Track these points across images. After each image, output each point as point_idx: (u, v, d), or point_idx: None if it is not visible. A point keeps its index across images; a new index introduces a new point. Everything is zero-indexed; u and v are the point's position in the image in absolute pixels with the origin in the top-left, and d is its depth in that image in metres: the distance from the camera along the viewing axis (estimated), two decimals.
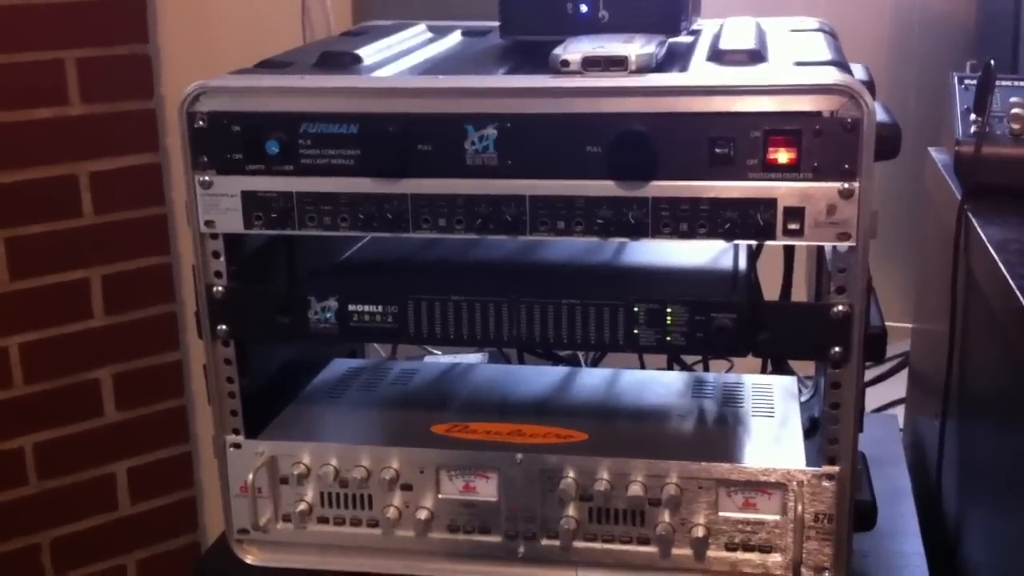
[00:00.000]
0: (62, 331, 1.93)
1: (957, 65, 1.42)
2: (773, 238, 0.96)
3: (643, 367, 1.37)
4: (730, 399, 1.19)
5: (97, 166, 1.92)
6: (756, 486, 1.03)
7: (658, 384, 1.24)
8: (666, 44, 1.05)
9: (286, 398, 1.22)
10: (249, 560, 1.14)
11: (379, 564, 1.12)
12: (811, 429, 1.13)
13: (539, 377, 1.27)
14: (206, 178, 1.04)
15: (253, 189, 1.04)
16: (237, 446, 1.12)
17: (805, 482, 1.02)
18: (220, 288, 1.08)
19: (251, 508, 1.12)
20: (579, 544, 1.07)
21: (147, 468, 2.05)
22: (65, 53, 1.86)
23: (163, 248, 2.01)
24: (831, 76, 0.94)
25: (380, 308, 1.05)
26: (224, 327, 1.08)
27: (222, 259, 1.07)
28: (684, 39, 1.16)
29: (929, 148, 1.38)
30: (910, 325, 1.54)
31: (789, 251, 1.19)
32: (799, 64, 1.01)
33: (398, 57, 1.15)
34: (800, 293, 1.24)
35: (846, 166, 0.93)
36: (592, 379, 1.26)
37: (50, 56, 1.85)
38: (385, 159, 1.01)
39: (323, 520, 1.12)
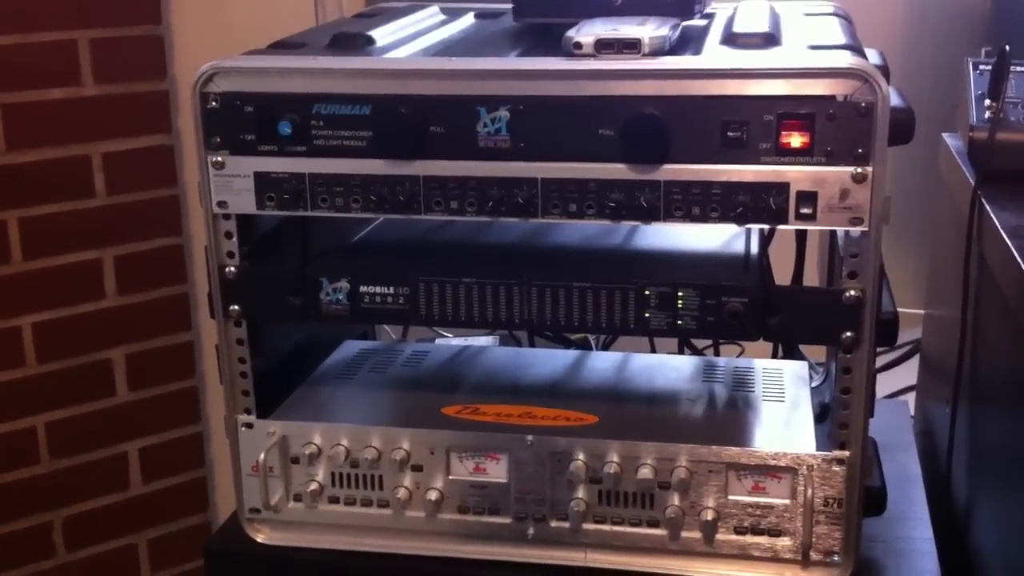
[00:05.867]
0: (74, 311, 1.94)
1: (972, 51, 1.42)
2: (785, 222, 0.96)
3: (654, 351, 1.37)
4: (740, 383, 1.19)
5: (110, 147, 1.93)
6: (766, 470, 1.03)
7: (669, 368, 1.24)
8: (680, 27, 1.05)
9: (298, 379, 1.23)
10: (260, 539, 1.15)
11: (389, 544, 1.12)
12: (822, 414, 1.13)
13: (550, 360, 1.27)
14: (219, 159, 1.05)
15: (266, 170, 1.04)
16: (249, 426, 1.13)
17: (815, 466, 1.02)
18: (232, 269, 1.08)
19: (262, 488, 1.12)
20: (588, 526, 1.07)
21: (159, 448, 2.06)
22: (78, 33, 1.87)
23: (175, 229, 2.02)
24: (845, 60, 0.94)
25: (391, 290, 1.06)
26: (236, 307, 1.09)
27: (234, 240, 1.07)
28: (698, 22, 1.16)
29: (943, 134, 1.38)
30: (922, 311, 1.54)
31: (801, 236, 1.19)
32: (813, 48, 1.00)
33: (411, 39, 1.15)
34: (812, 278, 1.24)
35: (859, 151, 0.93)
36: (603, 363, 1.26)
37: (64, 36, 1.86)
38: (397, 141, 1.01)
39: (334, 500, 1.12)
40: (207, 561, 1.18)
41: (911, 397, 1.62)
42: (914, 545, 1.11)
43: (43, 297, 1.90)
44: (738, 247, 1.10)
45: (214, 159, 1.05)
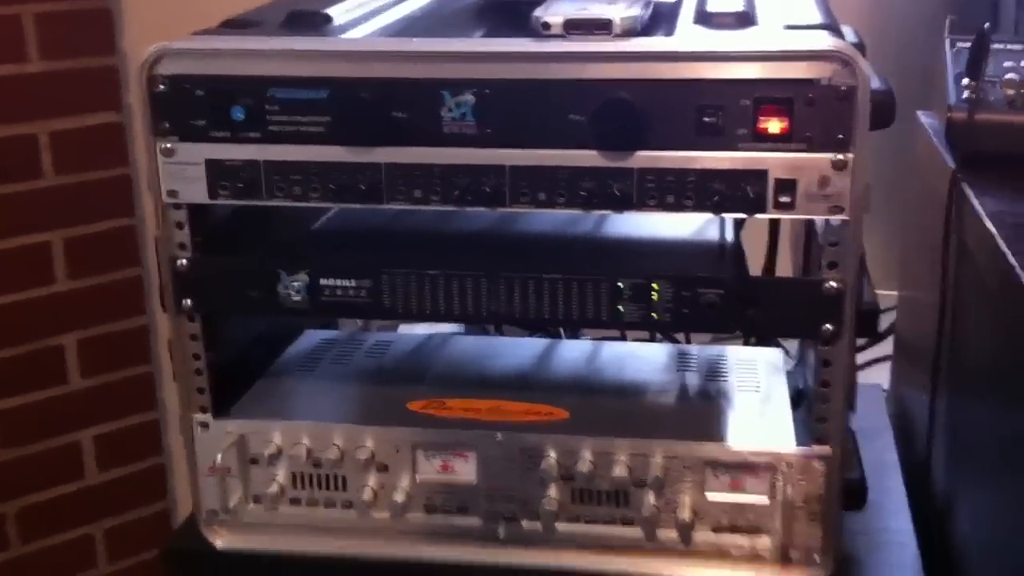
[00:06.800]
0: (24, 296, 1.88)
1: (938, 22, 1.37)
2: (763, 211, 0.92)
3: (623, 337, 1.33)
4: (714, 373, 1.15)
5: (57, 125, 1.86)
6: (744, 467, 1.00)
7: (640, 358, 1.19)
8: (651, 5, 1.01)
9: (256, 371, 1.18)
10: (219, 544, 1.10)
11: (354, 546, 1.08)
12: (797, 400, 1.10)
13: (518, 349, 1.23)
14: (168, 145, 0.99)
15: (218, 157, 0.99)
16: (204, 425, 1.08)
17: (793, 463, 0.99)
18: (184, 261, 1.03)
19: (220, 490, 1.08)
20: (561, 526, 1.03)
21: (114, 435, 2.01)
22: (22, 8, 1.80)
23: (127, 210, 1.96)
24: (824, 41, 0.90)
25: (353, 282, 1.01)
26: (189, 301, 1.04)
27: (186, 230, 1.02)
28: None
29: (918, 112, 1.34)
30: (894, 292, 1.51)
31: (774, 224, 1.15)
32: (790, 27, 0.96)
33: (370, 16, 1.10)
34: (784, 266, 1.21)
35: (839, 136, 0.89)
36: (572, 352, 1.22)
37: (7, 11, 1.78)
38: (357, 127, 0.96)
39: (295, 502, 1.08)
40: (166, 564, 1.13)
41: (883, 369, 1.58)
42: (893, 536, 1.09)
43: None
44: (712, 235, 1.06)
45: (163, 146, 0.99)
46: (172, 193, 1.01)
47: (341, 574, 1.08)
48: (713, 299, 0.95)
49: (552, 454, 1.02)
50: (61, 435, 1.95)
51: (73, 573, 2.01)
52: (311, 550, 1.08)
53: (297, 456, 1.06)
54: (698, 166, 0.92)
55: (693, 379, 1.14)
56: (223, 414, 1.08)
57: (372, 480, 1.06)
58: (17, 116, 1.82)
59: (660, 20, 1.02)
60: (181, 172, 1.00)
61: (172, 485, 2.10)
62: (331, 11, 1.06)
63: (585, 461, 1.01)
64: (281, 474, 1.07)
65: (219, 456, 1.07)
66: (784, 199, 0.91)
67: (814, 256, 0.99)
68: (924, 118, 1.32)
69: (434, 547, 1.06)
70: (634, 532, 1.03)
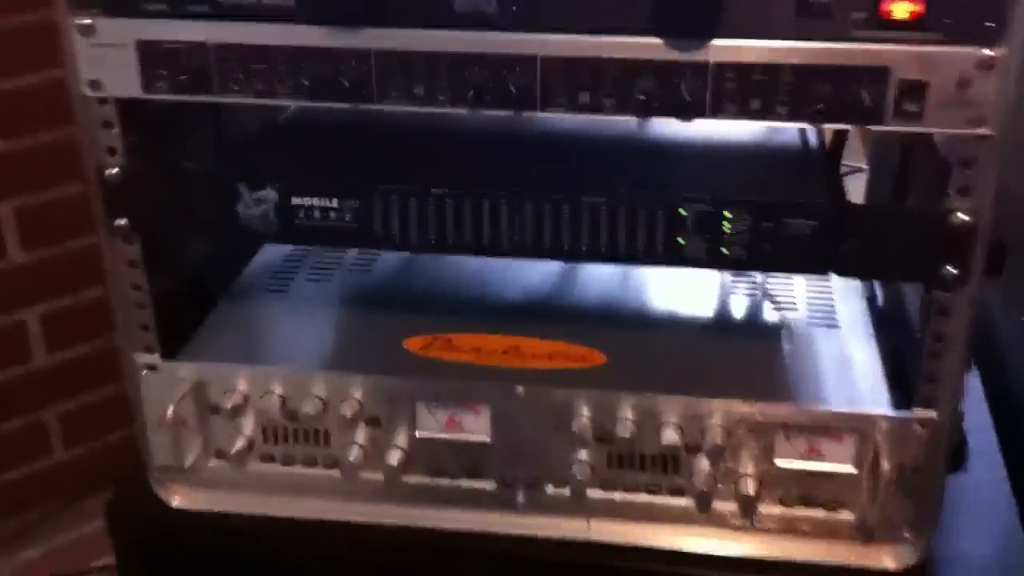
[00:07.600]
0: None
1: None
2: (881, 123, 0.70)
3: None
4: (781, 304, 0.94)
5: None
6: (824, 431, 0.81)
7: (689, 283, 0.98)
8: None
9: (212, 296, 0.97)
10: (175, 503, 0.91)
11: (338, 509, 0.89)
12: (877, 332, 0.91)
13: (536, 268, 1.00)
14: (88, 21, 0.75)
15: (154, 38, 0.75)
16: (152, 368, 0.87)
17: (889, 428, 0.79)
18: (116, 170, 0.80)
19: (174, 443, 0.88)
20: (593, 492, 0.85)
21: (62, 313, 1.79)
22: None
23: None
24: None
25: (335, 203, 0.79)
26: (124, 220, 0.81)
27: (116, 131, 0.79)
28: None
29: None
30: None
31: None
32: None
33: None
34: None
35: (988, 25, 0.67)
36: (604, 273, 0.99)
37: None
38: (337, 1, 0.72)
39: (267, 458, 0.89)
40: (110, 524, 0.94)
41: None
42: (987, 492, 0.90)
43: None
44: (795, 143, 0.84)
45: (81, 22, 0.75)
46: (95, 84, 0.77)
47: (324, 539, 0.88)
48: (802, 232, 0.74)
49: (585, 413, 0.82)
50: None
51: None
52: (287, 513, 0.89)
53: (268, 408, 0.86)
54: (795, 61, 0.69)
55: (757, 313, 0.94)
56: (175, 354, 0.88)
57: (361, 436, 0.86)
58: None
59: None
60: (105, 57, 0.76)
61: None
62: None
63: (626, 423, 0.81)
64: (248, 427, 0.88)
65: (171, 407, 0.86)
66: (910, 107, 0.69)
67: (923, 176, 0.77)
68: None
69: (437, 512, 0.88)
70: (684, 502, 0.84)
